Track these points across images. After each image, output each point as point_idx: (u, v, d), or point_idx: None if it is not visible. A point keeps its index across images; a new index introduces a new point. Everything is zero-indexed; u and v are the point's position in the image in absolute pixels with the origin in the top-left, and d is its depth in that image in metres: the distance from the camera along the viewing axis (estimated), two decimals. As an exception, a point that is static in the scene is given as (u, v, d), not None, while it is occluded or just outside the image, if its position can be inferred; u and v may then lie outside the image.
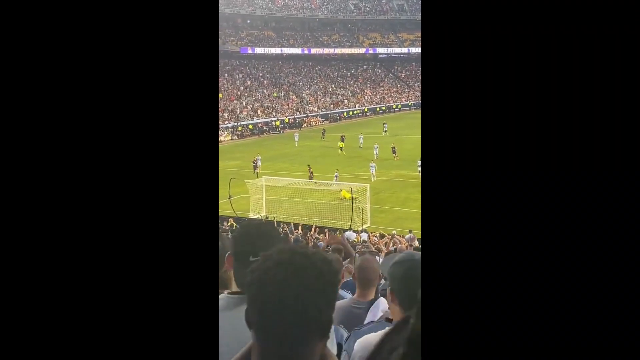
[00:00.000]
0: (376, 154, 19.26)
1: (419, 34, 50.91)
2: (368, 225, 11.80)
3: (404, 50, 45.41)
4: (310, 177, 15.65)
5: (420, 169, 15.38)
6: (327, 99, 37.24)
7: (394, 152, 19.22)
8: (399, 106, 38.01)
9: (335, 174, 15.27)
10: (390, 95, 40.39)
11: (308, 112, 34.38)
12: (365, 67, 44.86)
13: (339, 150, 21.68)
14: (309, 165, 16.28)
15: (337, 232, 11.18)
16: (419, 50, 49.74)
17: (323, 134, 26.75)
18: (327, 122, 33.37)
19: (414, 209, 12.83)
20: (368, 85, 41.78)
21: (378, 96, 39.80)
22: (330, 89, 39.34)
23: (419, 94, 44.17)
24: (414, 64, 45.40)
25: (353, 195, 12.81)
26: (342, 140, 22.42)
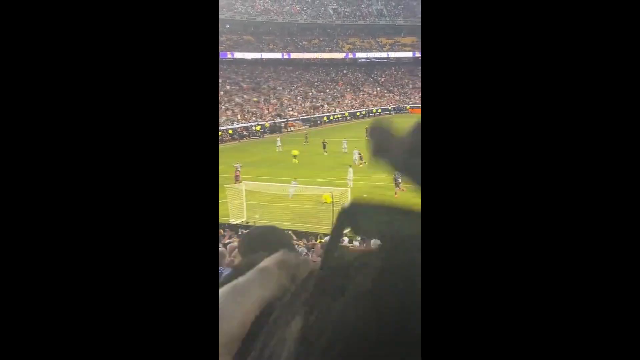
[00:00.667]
0: (355, 159, 19.18)
1: (398, 39, 51.63)
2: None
3: (384, 54, 45.81)
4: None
5: (397, 180, 14.81)
6: (307, 104, 37.26)
7: (360, 157, 19.06)
8: (379, 110, 38.30)
9: (293, 182, 14.85)
10: (370, 100, 40.67)
11: (288, 116, 34.28)
12: (345, 71, 45.09)
13: (293, 159, 21.12)
14: (295, 179, 15.93)
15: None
16: (398, 54, 50.36)
17: (306, 138, 26.59)
18: (308, 126, 33.31)
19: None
20: (348, 89, 41.97)
21: (358, 100, 40.05)
22: (311, 94, 39.38)
23: (398, 97, 44.71)
24: (393, 68, 45.83)
25: (334, 200, 12.55)
26: (324, 147, 22.10)
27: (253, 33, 42.66)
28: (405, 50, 45.83)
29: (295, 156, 21.37)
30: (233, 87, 37.53)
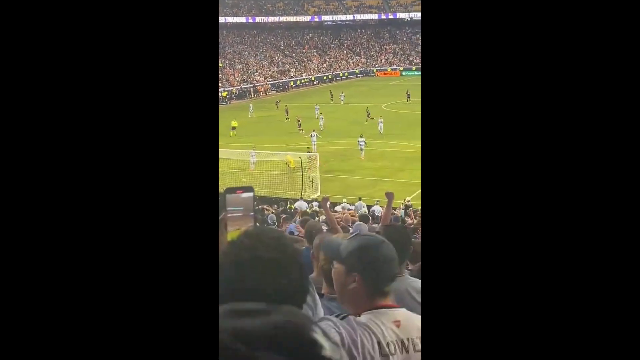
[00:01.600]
0: (321, 125, 19.55)
1: (364, 0, 51.12)
2: (319, 194, 12.06)
3: (349, 17, 45.38)
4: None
5: (360, 145, 15.78)
6: (274, 68, 36.90)
7: (299, 124, 20.17)
8: (346, 74, 38.42)
9: (252, 151, 14.43)
10: (337, 63, 40.62)
11: (255, 82, 33.91)
12: (310, 35, 44.54)
13: (231, 131, 20.04)
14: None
15: (288, 202, 11.47)
16: (364, 17, 50.00)
17: (277, 104, 26.40)
18: (275, 91, 33.17)
19: (363, 177, 13.65)
20: (314, 53, 41.70)
21: (325, 64, 39.93)
22: (277, 58, 38.93)
23: (364, 60, 44.86)
24: (359, 31, 45.57)
25: (304, 166, 13.00)
26: (299, 125, 21.03)
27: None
28: (371, 13, 45.48)
29: (234, 127, 20.43)
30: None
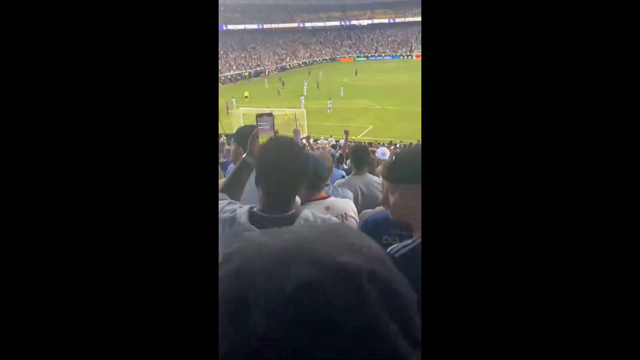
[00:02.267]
0: (305, 90, 29.52)
1: (332, 14, 73.46)
2: (306, 134, 15.90)
3: (322, 24, 67.11)
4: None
5: (329, 104, 23.99)
6: (276, 57, 59.10)
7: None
8: (320, 60, 59.78)
9: (267, 109, 17.22)
10: (315, 53, 61.65)
11: (265, 65, 55.73)
12: (298, 35, 65.90)
13: (245, 99, 26.23)
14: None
15: None
16: (331, 23, 70.53)
17: (281, 80, 37.30)
18: (278, 71, 51.18)
19: (332, 123, 19.74)
20: (301, 47, 62.83)
21: (307, 54, 61.44)
22: (277, 50, 60.79)
23: (332, 51, 65.89)
24: (329, 32, 67.33)
25: (297, 117, 18.87)
26: (283, 84, 32.05)
27: (240, 11, 63.60)
28: (336, 20, 67.42)
29: (246, 97, 27.09)
30: (228, 49, 58.99)
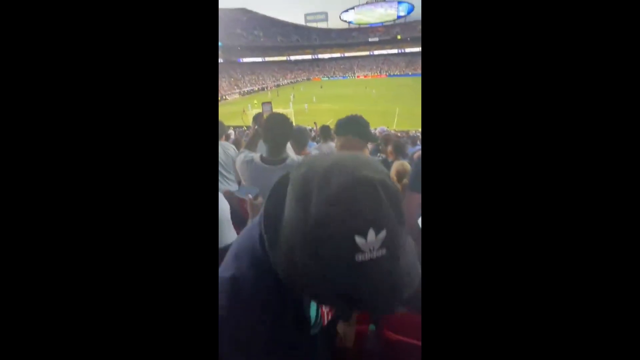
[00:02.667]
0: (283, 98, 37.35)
1: (320, 51, 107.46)
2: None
3: (308, 57, 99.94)
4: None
5: (305, 106, 32.06)
6: (274, 78, 78.12)
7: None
8: (306, 79, 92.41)
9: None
10: (299, 76, 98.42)
11: (266, 84, 71.19)
12: (299, 67, 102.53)
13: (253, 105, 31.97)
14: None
15: None
16: (324, 56, 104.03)
17: (277, 93, 46.12)
18: (275, 87, 65.01)
19: (311, 117, 23.41)
20: (288, 72, 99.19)
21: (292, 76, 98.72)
22: (274, 75, 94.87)
23: (309, 75, 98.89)
24: (315, 64, 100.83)
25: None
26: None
27: (250, 49, 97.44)
28: (308, 54, 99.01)
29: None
30: (244, 73, 76.91)
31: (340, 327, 1.28)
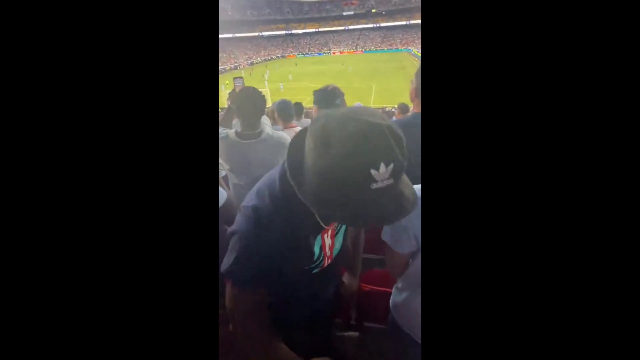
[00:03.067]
0: (266, 77, 38.88)
1: (309, 24, 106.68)
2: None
3: (299, 30, 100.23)
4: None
5: (280, 85, 31.86)
6: (246, 56, 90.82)
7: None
8: (298, 54, 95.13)
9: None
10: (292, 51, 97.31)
11: (239, 63, 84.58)
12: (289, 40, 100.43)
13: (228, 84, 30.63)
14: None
15: None
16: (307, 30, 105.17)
17: (250, 72, 46.24)
18: (248, 66, 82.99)
19: (288, 96, 18.24)
20: (261, 49, 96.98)
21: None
22: (247, 53, 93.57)
23: (295, 50, 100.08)
24: (302, 38, 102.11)
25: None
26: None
27: (221, 26, 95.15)
28: (282, 30, 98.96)
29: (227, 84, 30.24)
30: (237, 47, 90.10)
31: (346, 277, 1.48)
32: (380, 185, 0.71)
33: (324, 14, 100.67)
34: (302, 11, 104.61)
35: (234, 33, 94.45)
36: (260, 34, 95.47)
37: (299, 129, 2.80)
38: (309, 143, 0.78)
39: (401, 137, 0.74)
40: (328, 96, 2.37)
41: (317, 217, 0.93)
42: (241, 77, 2.87)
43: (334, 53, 76.14)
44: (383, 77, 34.92)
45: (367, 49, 79.15)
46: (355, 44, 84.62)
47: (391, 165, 0.71)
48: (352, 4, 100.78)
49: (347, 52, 78.68)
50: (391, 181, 0.73)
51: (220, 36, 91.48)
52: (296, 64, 59.83)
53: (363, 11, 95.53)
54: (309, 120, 3.98)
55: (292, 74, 44.11)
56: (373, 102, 22.51)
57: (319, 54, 79.45)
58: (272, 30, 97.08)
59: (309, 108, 5.42)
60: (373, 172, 0.70)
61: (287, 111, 3.13)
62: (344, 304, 1.49)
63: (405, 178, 0.80)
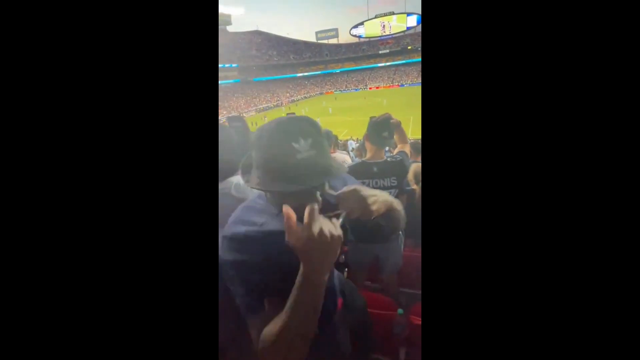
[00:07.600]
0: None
1: (318, 66, 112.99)
2: None
3: (311, 73, 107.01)
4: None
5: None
6: (288, 94, 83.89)
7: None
8: (314, 94, 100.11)
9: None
10: (313, 91, 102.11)
11: (281, 100, 73.13)
12: (307, 82, 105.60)
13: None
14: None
15: None
16: (320, 73, 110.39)
17: (290, 107, 51.84)
18: (289, 103, 66.77)
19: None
20: (301, 88, 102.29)
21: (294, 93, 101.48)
22: (288, 91, 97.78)
23: (310, 92, 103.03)
24: (315, 78, 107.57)
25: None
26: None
27: (263, 69, 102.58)
28: (319, 70, 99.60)
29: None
30: (260, 92, 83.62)
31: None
32: (304, 155, 0.87)
33: (360, 54, 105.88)
34: (340, 52, 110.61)
35: (278, 75, 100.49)
36: (300, 74, 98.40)
37: (337, 155, 3.16)
38: (253, 150, 0.94)
39: (313, 121, 0.92)
40: (377, 127, 2.35)
41: (271, 201, 1.05)
42: (242, 117, 2.51)
43: (370, 88, 76.56)
44: (419, 109, 34.37)
45: (403, 83, 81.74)
46: (391, 79, 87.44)
47: (309, 140, 0.88)
48: (387, 43, 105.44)
49: (384, 87, 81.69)
50: (313, 152, 0.88)
51: (265, 79, 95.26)
52: (336, 98, 62.21)
53: (398, 48, 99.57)
54: (344, 152, 4.13)
55: (332, 108, 46.36)
56: (411, 133, 21.97)
57: (356, 89, 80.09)
58: (312, 70, 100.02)
59: (345, 140, 5.32)
60: (295, 145, 0.86)
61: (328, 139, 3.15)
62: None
63: (337, 155, 1.34)
